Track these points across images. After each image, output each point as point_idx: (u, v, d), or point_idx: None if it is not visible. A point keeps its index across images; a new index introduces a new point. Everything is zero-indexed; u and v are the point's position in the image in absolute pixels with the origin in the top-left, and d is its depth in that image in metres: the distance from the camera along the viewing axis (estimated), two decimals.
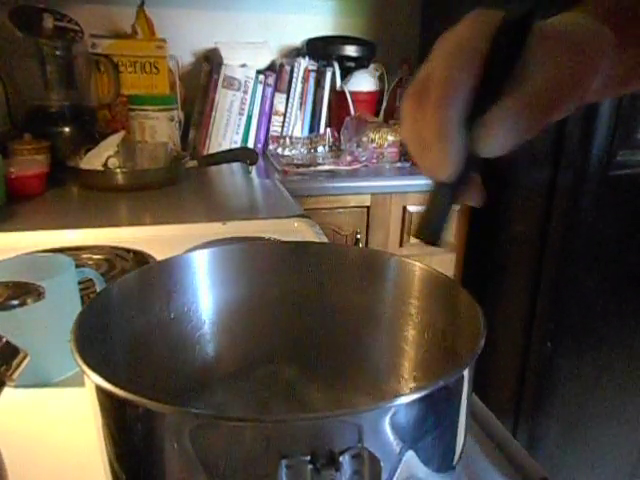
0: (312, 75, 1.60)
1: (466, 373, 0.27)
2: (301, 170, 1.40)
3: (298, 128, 1.63)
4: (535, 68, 0.27)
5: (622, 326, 1.31)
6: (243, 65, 1.53)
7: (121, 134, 1.25)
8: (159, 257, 0.71)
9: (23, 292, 0.46)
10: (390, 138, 1.45)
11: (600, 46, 0.29)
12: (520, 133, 0.28)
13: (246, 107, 1.55)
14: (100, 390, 0.25)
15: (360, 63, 1.65)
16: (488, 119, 0.28)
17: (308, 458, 0.22)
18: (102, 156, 1.19)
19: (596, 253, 1.24)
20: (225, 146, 1.53)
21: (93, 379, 0.25)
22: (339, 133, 1.56)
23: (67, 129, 1.30)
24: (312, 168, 1.41)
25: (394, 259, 0.41)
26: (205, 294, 0.43)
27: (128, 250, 0.76)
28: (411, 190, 1.38)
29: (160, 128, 1.33)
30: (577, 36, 0.29)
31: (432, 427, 0.26)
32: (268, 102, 1.58)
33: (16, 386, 0.30)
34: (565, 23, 0.30)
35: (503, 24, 0.27)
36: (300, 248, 0.46)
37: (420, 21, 1.75)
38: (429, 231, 0.31)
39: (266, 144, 1.61)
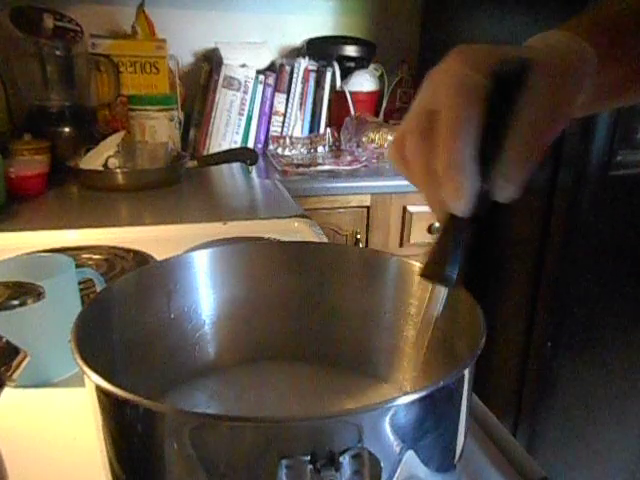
0: (312, 75, 1.60)
1: (466, 373, 0.27)
2: (301, 170, 1.40)
3: (298, 128, 1.63)
4: (528, 100, 0.29)
5: (622, 326, 1.31)
6: (243, 65, 1.53)
7: (121, 134, 1.25)
8: (159, 257, 0.71)
9: (23, 292, 0.46)
10: (390, 138, 1.45)
11: (583, 67, 0.31)
12: (529, 164, 0.30)
13: (246, 107, 1.55)
14: (100, 390, 0.25)
15: (360, 63, 1.65)
16: (505, 165, 0.29)
17: (308, 458, 0.22)
18: (102, 156, 1.19)
19: (596, 253, 1.24)
20: (225, 146, 1.53)
21: (93, 379, 0.25)
22: (339, 133, 1.56)
23: (67, 129, 1.30)
24: (312, 168, 1.41)
25: (394, 259, 0.41)
26: (205, 294, 0.43)
27: (128, 250, 0.76)
28: (411, 190, 1.38)
29: (160, 128, 1.32)
30: (561, 61, 0.31)
31: (432, 427, 0.26)
32: (268, 102, 1.58)
33: (16, 386, 0.30)
34: (550, 45, 0.32)
35: (502, 68, 0.28)
36: (300, 248, 0.46)
37: (420, 21, 1.75)
38: (441, 270, 0.29)
39: (266, 144, 1.61)
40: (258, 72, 1.54)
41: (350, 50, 1.64)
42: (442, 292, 0.31)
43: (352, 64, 1.65)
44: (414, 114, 0.31)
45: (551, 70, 0.30)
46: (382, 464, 0.24)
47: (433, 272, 0.29)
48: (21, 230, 0.86)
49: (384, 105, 1.67)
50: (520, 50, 0.32)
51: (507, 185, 0.29)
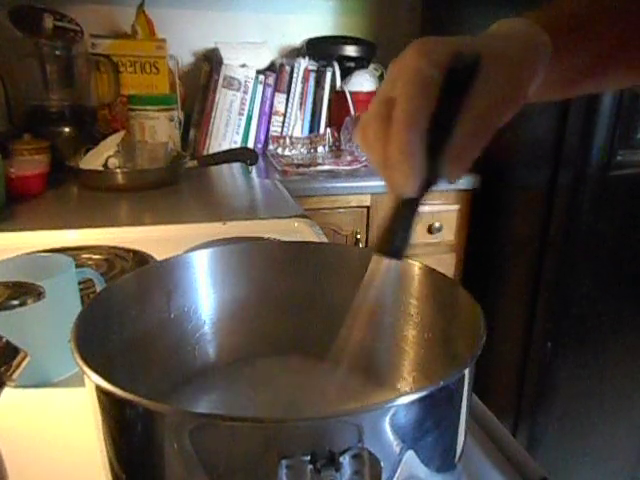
0: (312, 75, 1.60)
1: (466, 373, 0.27)
2: (301, 170, 1.40)
3: (298, 128, 1.63)
4: (478, 91, 0.30)
5: (622, 326, 1.31)
6: (243, 65, 1.53)
7: (121, 134, 1.25)
8: (159, 257, 0.71)
9: (23, 292, 0.46)
10: None
11: (537, 55, 0.33)
12: (476, 153, 0.31)
13: (246, 107, 1.55)
14: (100, 390, 0.25)
15: (360, 63, 1.65)
16: (453, 149, 0.31)
17: (308, 458, 0.22)
18: (102, 156, 1.19)
19: (596, 253, 1.24)
20: (225, 146, 1.53)
21: (93, 379, 0.25)
22: (339, 133, 1.56)
23: (67, 129, 1.30)
24: (312, 168, 1.41)
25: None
26: (205, 294, 0.43)
27: (128, 250, 0.76)
28: None
29: (160, 128, 1.32)
30: (515, 51, 0.32)
31: (432, 427, 0.26)
32: (268, 102, 1.58)
33: (16, 386, 0.30)
34: (507, 33, 0.34)
35: (455, 61, 0.30)
36: (300, 248, 0.46)
37: (420, 21, 1.75)
38: (393, 246, 0.31)
39: (266, 144, 1.61)
40: (258, 72, 1.54)
41: (350, 50, 1.64)
42: (389, 265, 0.32)
43: (352, 64, 1.64)
44: (376, 101, 0.32)
45: (503, 61, 0.31)
46: (382, 464, 0.24)
47: (387, 248, 0.32)
48: (21, 230, 0.86)
49: None
50: (476, 41, 0.33)
51: (453, 169, 0.31)
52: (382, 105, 0.32)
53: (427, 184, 0.31)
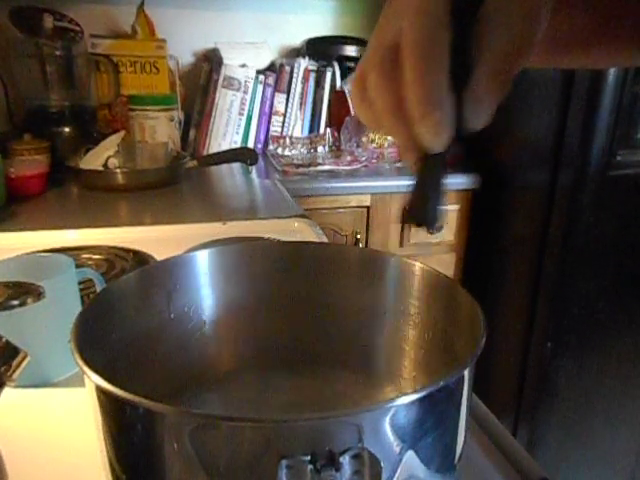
0: (312, 75, 1.60)
1: (466, 373, 0.27)
2: (301, 170, 1.40)
3: (298, 128, 1.63)
4: (495, 27, 0.25)
5: (622, 326, 1.31)
6: (243, 65, 1.53)
7: (121, 134, 1.25)
8: (159, 257, 0.71)
9: (23, 292, 0.46)
10: (390, 138, 1.45)
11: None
12: (499, 95, 0.26)
13: (246, 107, 1.55)
14: (100, 390, 0.25)
15: None
16: (474, 87, 0.26)
17: (308, 458, 0.22)
18: (102, 156, 1.19)
19: (596, 253, 1.24)
20: (225, 146, 1.53)
21: (93, 379, 0.25)
22: (339, 133, 1.56)
23: (67, 129, 1.30)
24: (312, 168, 1.41)
25: (394, 259, 0.41)
26: (205, 294, 0.43)
27: (128, 250, 0.76)
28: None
29: (160, 128, 1.32)
30: None
31: (432, 427, 0.26)
32: (268, 102, 1.58)
33: (16, 386, 0.30)
34: None
35: None
36: (300, 248, 0.46)
37: None
38: (425, 212, 0.27)
39: (266, 144, 1.61)
40: (258, 72, 1.54)
41: (350, 50, 1.64)
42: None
43: (352, 64, 1.64)
44: (374, 48, 0.27)
45: None
46: (382, 464, 0.24)
47: (421, 216, 0.28)
48: (21, 230, 0.86)
49: None
50: None
51: (480, 113, 0.26)
52: (385, 50, 0.26)
53: (455, 133, 0.26)
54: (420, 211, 0.28)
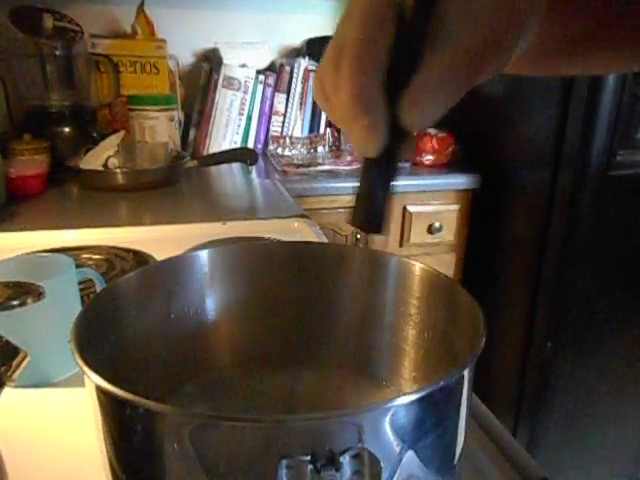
0: (312, 75, 1.60)
1: (466, 373, 0.27)
2: (301, 170, 1.40)
3: (298, 128, 1.63)
4: (454, 27, 0.23)
5: (622, 326, 1.31)
6: (243, 65, 1.53)
7: (121, 134, 1.25)
8: (159, 257, 0.71)
9: (23, 292, 0.46)
10: None
11: (525, 3, 0.24)
12: (445, 100, 0.24)
13: (246, 107, 1.55)
14: (100, 390, 0.25)
15: None
16: (412, 89, 0.24)
17: (308, 458, 0.22)
18: (102, 156, 1.19)
19: (596, 253, 1.24)
20: (225, 146, 1.53)
21: (93, 379, 0.25)
22: (339, 133, 1.56)
23: (67, 129, 1.30)
24: (312, 168, 1.41)
25: (394, 259, 0.41)
26: (205, 294, 0.43)
27: (128, 250, 0.76)
28: (411, 190, 1.38)
29: (160, 128, 1.32)
30: None
31: (432, 427, 0.26)
32: (268, 102, 1.58)
33: (16, 386, 0.30)
34: None
35: None
36: (300, 248, 0.46)
37: None
38: (368, 218, 0.27)
39: (266, 144, 1.61)
40: (258, 72, 1.54)
41: None
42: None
43: None
44: (329, 48, 0.26)
45: None
46: (382, 464, 0.24)
47: (362, 219, 0.27)
48: (21, 230, 0.86)
49: None
50: None
51: (413, 113, 0.24)
52: (336, 47, 0.25)
53: (398, 136, 0.25)
54: (361, 215, 0.27)
